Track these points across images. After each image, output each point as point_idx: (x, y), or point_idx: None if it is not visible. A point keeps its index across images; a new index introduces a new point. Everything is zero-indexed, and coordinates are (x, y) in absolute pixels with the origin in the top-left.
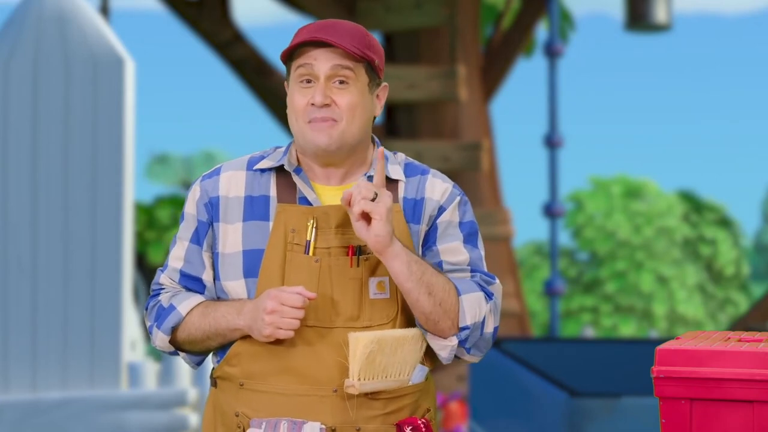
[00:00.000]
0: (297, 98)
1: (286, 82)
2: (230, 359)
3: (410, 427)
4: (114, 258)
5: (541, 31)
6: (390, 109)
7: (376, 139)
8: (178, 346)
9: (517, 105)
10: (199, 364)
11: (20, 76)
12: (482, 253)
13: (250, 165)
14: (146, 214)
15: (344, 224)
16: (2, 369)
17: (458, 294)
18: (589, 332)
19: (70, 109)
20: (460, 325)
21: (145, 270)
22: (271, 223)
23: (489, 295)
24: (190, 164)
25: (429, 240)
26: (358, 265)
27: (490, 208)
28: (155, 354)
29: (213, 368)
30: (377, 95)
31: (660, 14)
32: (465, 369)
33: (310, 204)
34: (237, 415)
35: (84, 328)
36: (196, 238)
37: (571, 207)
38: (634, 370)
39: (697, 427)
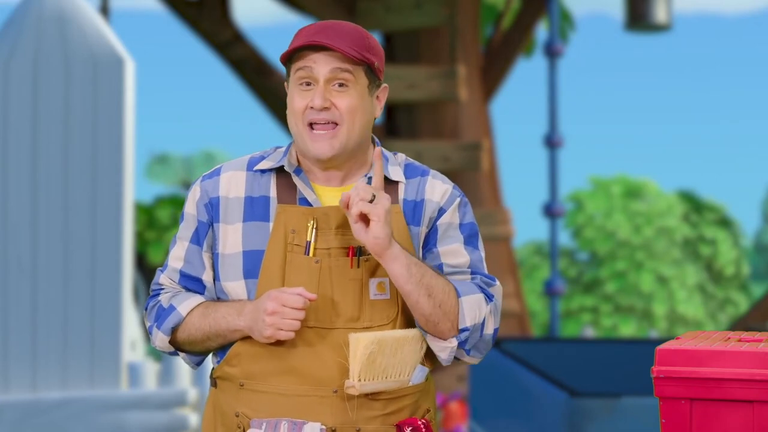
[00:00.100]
0: (296, 101)
1: (286, 83)
2: (230, 359)
3: (410, 428)
4: (114, 258)
5: (541, 31)
6: (390, 109)
7: (376, 140)
8: (177, 346)
9: (517, 105)
10: (198, 364)
11: (20, 76)
12: (482, 254)
13: (250, 165)
14: (146, 214)
15: (344, 225)
16: (2, 369)
17: (458, 296)
18: (589, 332)
19: (70, 109)
20: (460, 327)
21: (145, 270)
22: (271, 224)
23: (489, 297)
24: (190, 164)
25: (429, 242)
26: (358, 266)
27: (490, 208)
28: (155, 354)
29: (213, 368)
30: (377, 96)
31: (660, 14)
32: (465, 369)
33: (311, 205)
34: (237, 416)
35: (84, 328)
36: (196, 239)
37: (571, 207)
38: (634, 370)
39: (697, 427)
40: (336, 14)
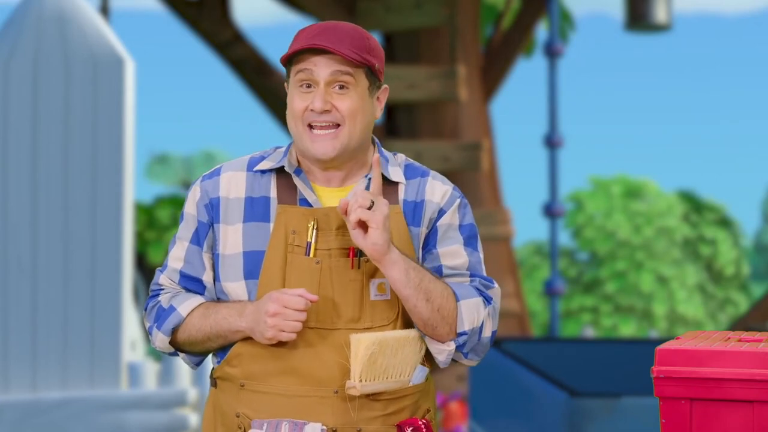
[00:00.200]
0: (296, 102)
1: (286, 83)
2: (231, 360)
3: (411, 428)
4: (114, 258)
5: (541, 31)
6: (390, 109)
7: (377, 141)
8: (177, 347)
9: (517, 105)
10: (198, 364)
11: (20, 76)
12: (481, 255)
13: (250, 166)
14: (146, 214)
15: (345, 226)
16: (2, 369)
17: (456, 300)
18: (589, 332)
19: (70, 109)
20: (458, 331)
21: (145, 270)
22: (271, 225)
23: (487, 300)
24: (190, 164)
25: (429, 243)
26: (358, 267)
27: (490, 208)
28: (155, 354)
29: (213, 368)
30: (377, 98)
31: (660, 14)
32: (465, 369)
33: (311, 205)
34: (238, 416)
35: (84, 328)
36: (197, 239)
37: (571, 207)
38: (634, 370)
39: (697, 427)
40: (336, 14)
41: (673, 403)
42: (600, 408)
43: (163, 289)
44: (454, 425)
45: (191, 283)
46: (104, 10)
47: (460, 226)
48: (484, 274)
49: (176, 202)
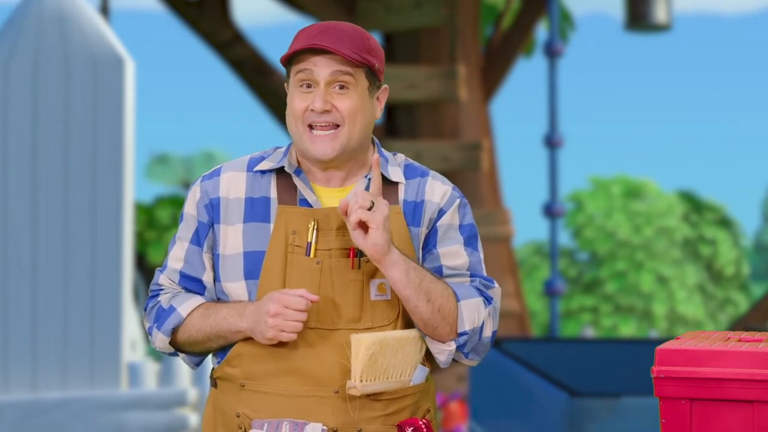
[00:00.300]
0: (296, 102)
1: (286, 83)
2: (231, 360)
3: (411, 428)
4: (114, 258)
5: (541, 31)
6: (390, 109)
7: (376, 141)
8: (177, 347)
9: (517, 105)
10: (198, 364)
11: (20, 76)
12: (481, 255)
13: (250, 166)
14: (146, 214)
15: (345, 226)
16: (2, 369)
17: (457, 300)
18: (589, 332)
19: (70, 109)
20: (459, 331)
21: (145, 270)
22: (271, 225)
23: (488, 300)
24: (190, 164)
25: (429, 243)
26: (359, 267)
27: (490, 208)
28: (155, 354)
29: (213, 369)
30: (377, 98)
31: (660, 14)
32: (465, 369)
33: (311, 206)
34: (238, 416)
35: (84, 328)
36: (197, 239)
37: (571, 207)
38: (634, 370)
39: (697, 427)
40: (336, 14)
41: (673, 403)
42: (600, 408)
43: (162, 290)
44: (454, 425)
45: (191, 284)
46: (104, 10)
47: (460, 226)
48: (485, 274)
49: (176, 202)
